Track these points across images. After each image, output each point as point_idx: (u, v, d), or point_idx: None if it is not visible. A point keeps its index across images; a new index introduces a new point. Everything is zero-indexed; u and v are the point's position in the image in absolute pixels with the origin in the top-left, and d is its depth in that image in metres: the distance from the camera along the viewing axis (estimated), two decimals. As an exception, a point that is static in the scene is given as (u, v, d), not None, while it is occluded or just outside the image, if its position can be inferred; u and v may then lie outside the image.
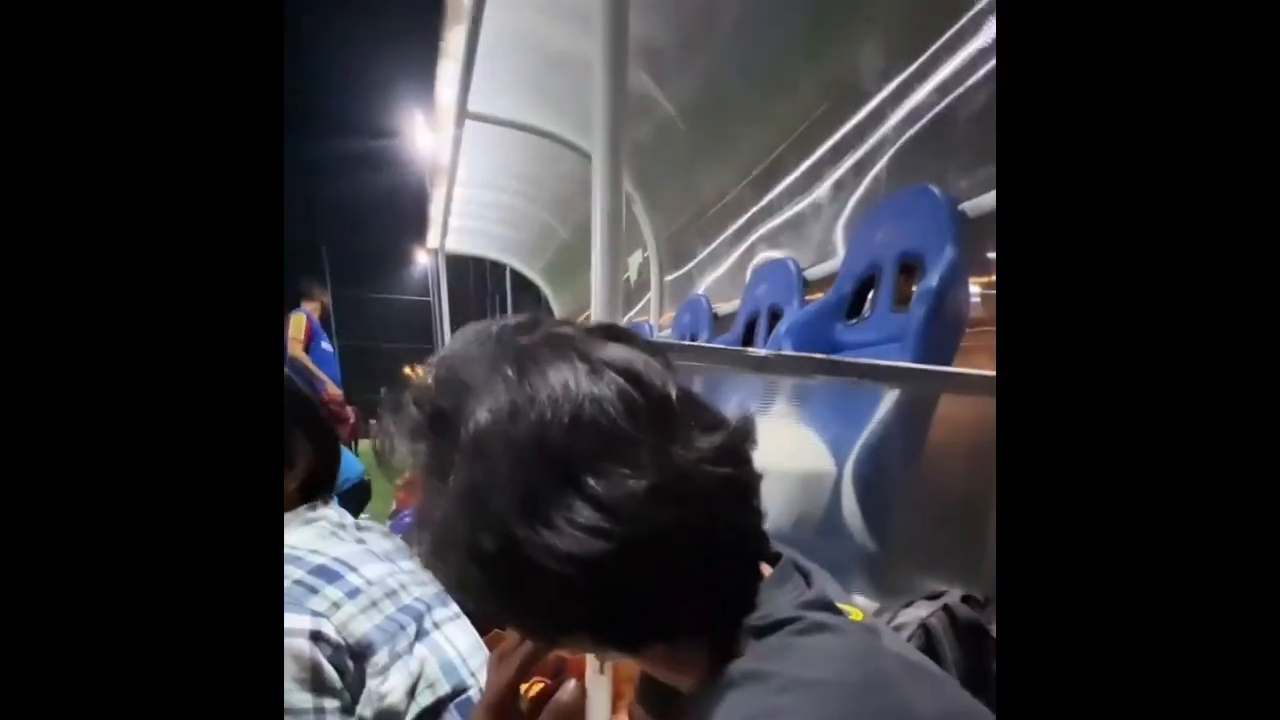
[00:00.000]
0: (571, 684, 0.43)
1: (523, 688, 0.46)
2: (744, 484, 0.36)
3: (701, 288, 2.19)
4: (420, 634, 0.67)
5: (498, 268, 4.62)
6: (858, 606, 0.40)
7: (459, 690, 0.65)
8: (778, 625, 0.34)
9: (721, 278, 2.13)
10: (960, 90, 1.24)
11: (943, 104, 1.27)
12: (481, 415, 0.33)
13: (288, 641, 0.56)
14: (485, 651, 0.71)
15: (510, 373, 0.33)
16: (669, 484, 0.32)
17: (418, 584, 0.72)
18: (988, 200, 1.14)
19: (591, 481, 0.31)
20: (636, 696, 0.59)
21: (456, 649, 0.69)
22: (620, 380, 0.33)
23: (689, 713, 0.37)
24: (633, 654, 0.36)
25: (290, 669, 0.55)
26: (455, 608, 0.73)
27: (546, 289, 3.79)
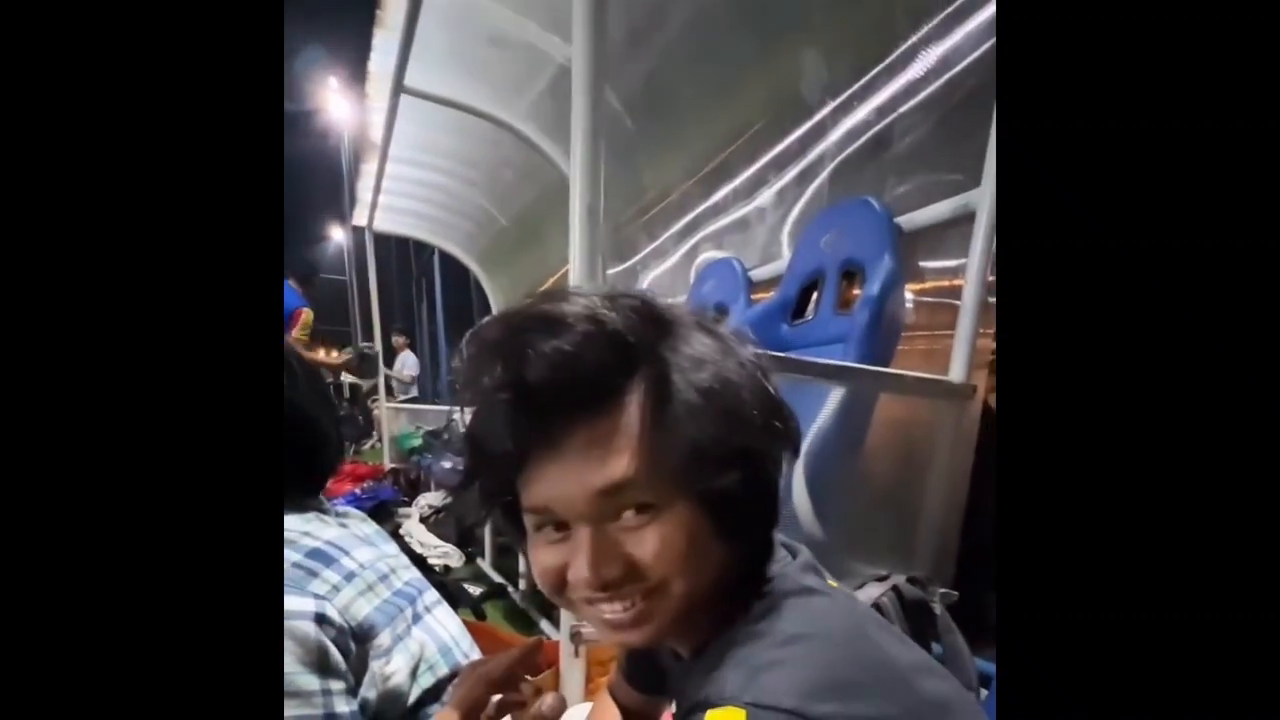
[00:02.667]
0: (550, 697, 0.45)
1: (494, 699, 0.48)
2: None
3: (646, 283, 2.23)
4: (415, 617, 0.68)
5: (423, 250, 4.46)
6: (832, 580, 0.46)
7: (455, 673, 0.66)
8: (772, 588, 0.39)
9: (665, 274, 2.18)
10: (898, 112, 1.34)
11: (881, 124, 1.37)
12: (697, 347, 0.37)
13: (291, 624, 0.56)
14: (469, 636, 0.73)
15: (705, 325, 0.39)
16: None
17: (405, 568, 0.72)
18: (921, 215, 1.25)
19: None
20: (621, 672, 0.62)
21: (449, 631, 0.70)
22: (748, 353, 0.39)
23: (688, 674, 0.40)
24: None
25: (296, 652, 0.55)
26: (436, 593, 0.75)
27: (481, 275, 3.70)
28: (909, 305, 1.27)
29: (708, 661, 0.38)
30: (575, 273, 0.89)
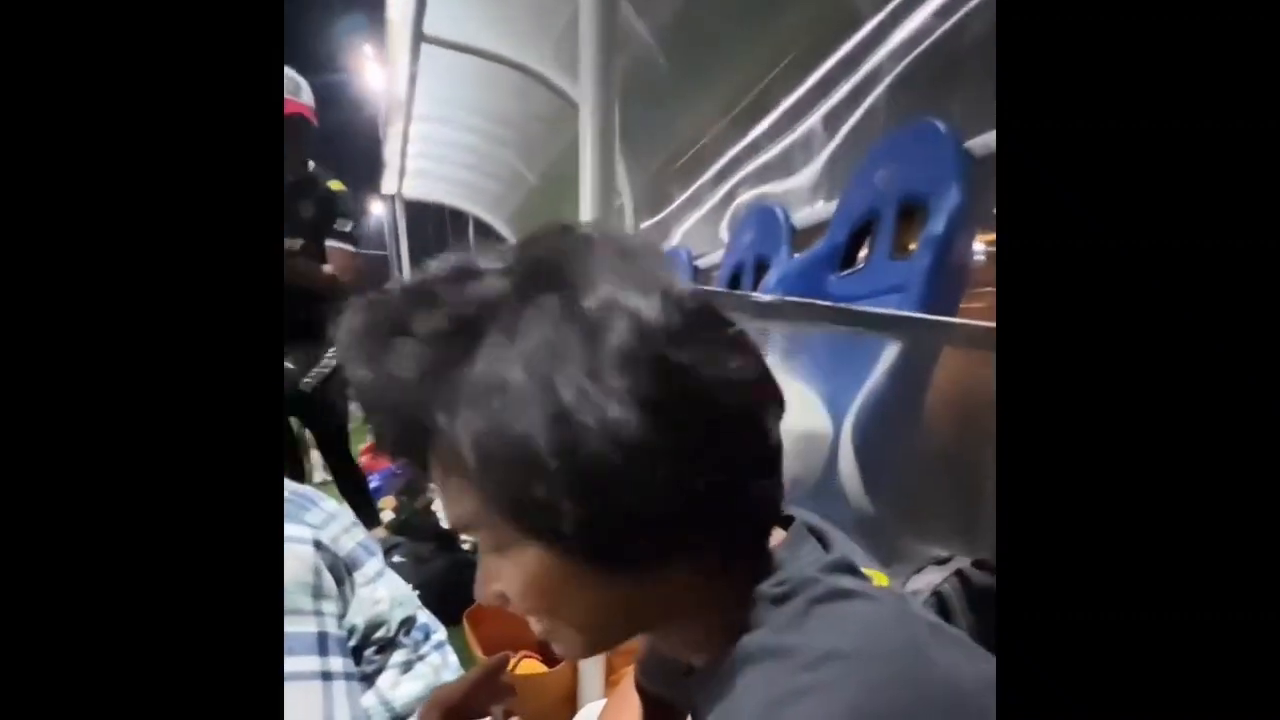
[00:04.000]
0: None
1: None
2: (764, 422, 0.33)
3: (678, 236, 2.08)
4: (384, 569, 0.74)
5: (459, 218, 4.40)
6: (880, 571, 0.38)
7: (412, 619, 0.73)
8: (796, 591, 0.32)
9: (701, 226, 2.01)
10: (965, 10, 1.13)
11: (945, 26, 1.16)
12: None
13: (291, 546, 0.59)
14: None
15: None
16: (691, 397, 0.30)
17: (357, 525, 0.77)
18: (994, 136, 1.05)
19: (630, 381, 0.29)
20: (639, 669, 0.54)
21: (401, 585, 0.77)
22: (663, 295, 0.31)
23: (701, 693, 0.34)
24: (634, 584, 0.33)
25: (294, 570, 0.58)
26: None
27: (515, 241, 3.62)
28: (979, 257, 1.09)
29: (720, 681, 0.32)
30: (586, 207, 0.80)
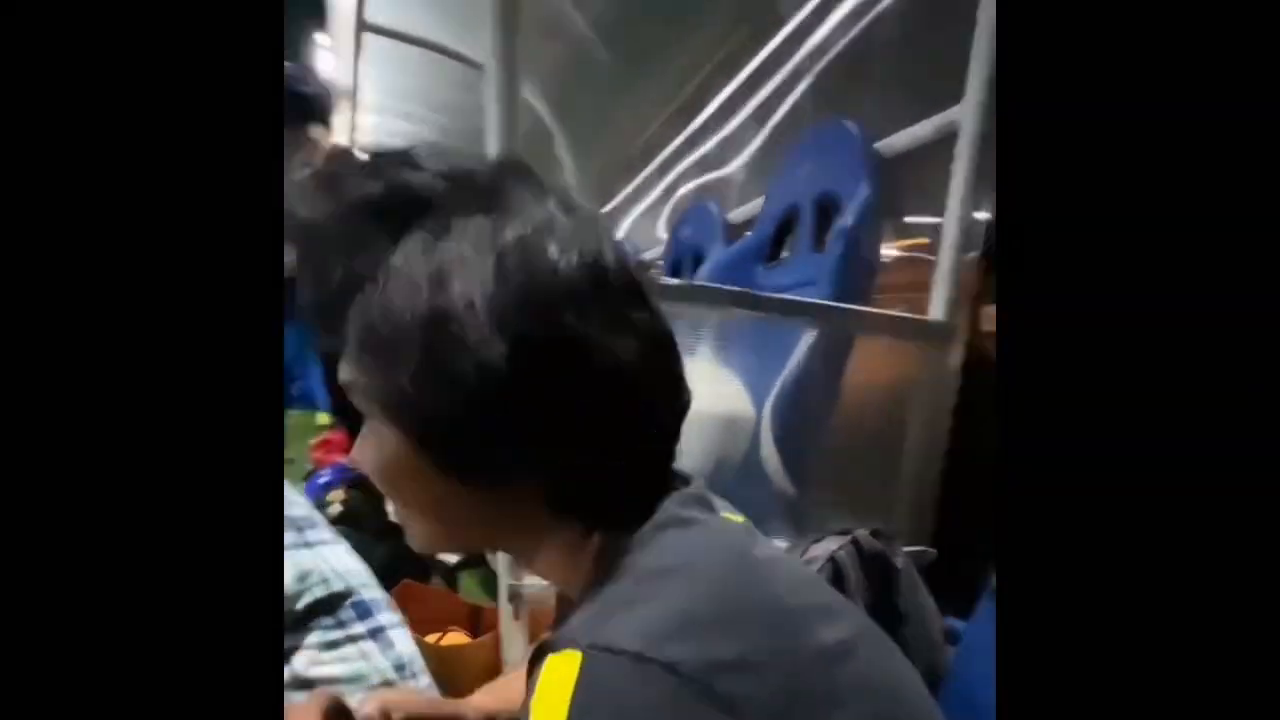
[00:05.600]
0: None
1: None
2: (641, 405, 0.35)
3: (626, 227, 2.12)
4: (305, 544, 0.74)
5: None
6: (738, 515, 0.40)
7: (348, 591, 0.74)
8: (648, 524, 0.34)
9: (646, 219, 2.06)
10: (874, 13, 1.19)
11: (856, 29, 1.22)
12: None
13: None
14: (366, 570, 0.80)
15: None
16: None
17: (293, 504, 0.77)
18: (902, 138, 1.12)
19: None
20: (554, 625, 0.59)
21: (342, 563, 0.76)
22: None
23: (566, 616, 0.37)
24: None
25: None
26: (331, 531, 0.80)
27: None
28: (885, 260, 1.16)
29: (577, 604, 0.35)
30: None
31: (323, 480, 2.23)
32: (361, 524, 1.86)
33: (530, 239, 0.32)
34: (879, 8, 1.19)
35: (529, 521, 0.36)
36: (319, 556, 0.73)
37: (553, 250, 0.32)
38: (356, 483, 2.26)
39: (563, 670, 0.27)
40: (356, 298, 0.32)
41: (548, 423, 0.32)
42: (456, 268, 0.31)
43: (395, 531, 1.53)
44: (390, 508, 0.39)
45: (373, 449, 0.35)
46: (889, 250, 1.18)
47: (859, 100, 1.25)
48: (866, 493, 1.15)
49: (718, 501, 0.40)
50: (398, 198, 0.33)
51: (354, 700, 0.52)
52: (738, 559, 0.33)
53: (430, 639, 1.24)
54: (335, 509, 2.14)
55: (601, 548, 0.36)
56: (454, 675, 0.99)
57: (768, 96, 1.47)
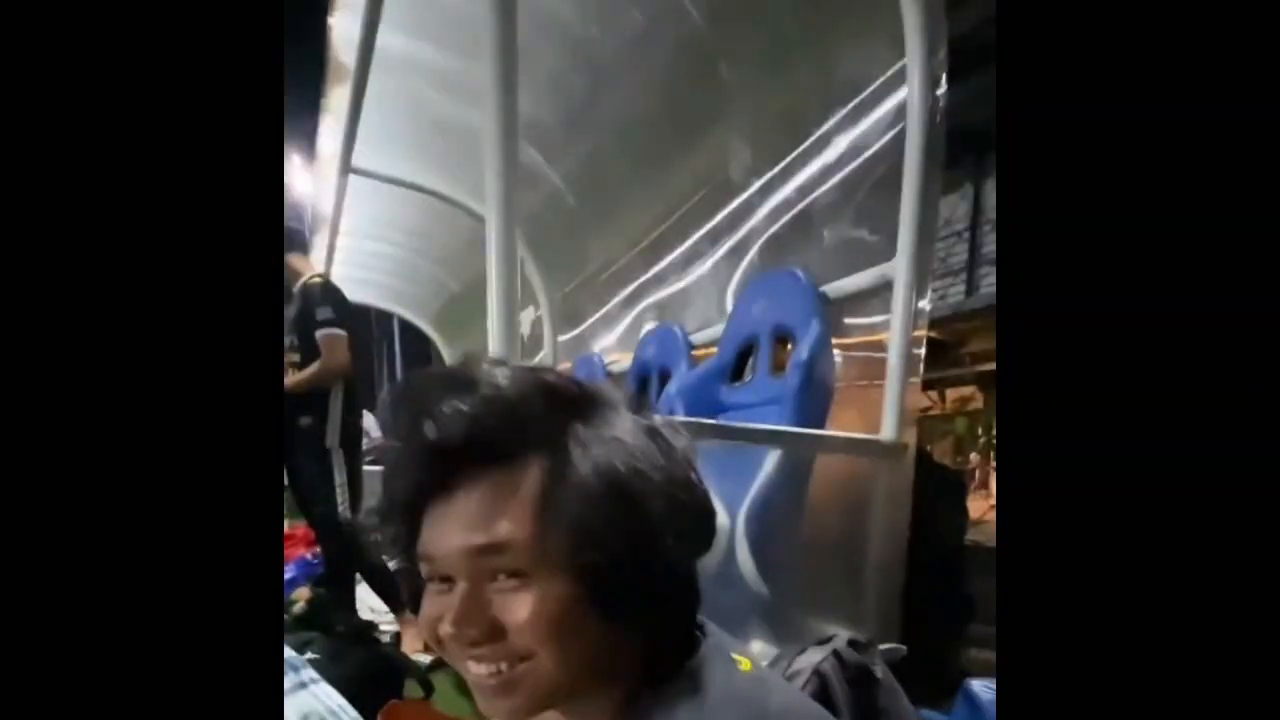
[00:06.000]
0: None
1: None
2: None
3: (596, 349, 2.27)
4: (300, 684, 0.83)
5: (384, 315, 4.44)
6: (749, 657, 0.43)
7: None
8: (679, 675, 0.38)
9: (613, 339, 2.23)
10: (818, 192, 1.44)
11: (802, 203, 1.46)
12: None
13: None
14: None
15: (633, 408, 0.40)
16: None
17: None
18: (845, 283, 1.33)
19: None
20: None
21: (334, 700, 0.83)
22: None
23: None
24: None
25: None
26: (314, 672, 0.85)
27: (438, 338, 3.70)
28: (838, 361, 1.34)
29: None
30: (494, 341, 0.91)
31: (287, 578, 2.12)
32: (329, 626, 1.77)
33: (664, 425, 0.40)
34: (825, 185, 1.43)
35: (619, 663, 0.39)
36: (315, 697, 0.80)
37: (675, 436, 0.40)
38: (321, 580, 2.15)
39: None
40: (551, 454, 0.37)
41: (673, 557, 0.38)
42: (645, 441, 0.38)
43: (366, 635, 1.48)
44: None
45: (541, 603, 0.36)
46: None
47: (804, 254, 1.47)
48: (836, 594, 1.24)
49: (727, 641, 0.43)
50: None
51: None
52: (761, 709, 0.37)
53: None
54: (300, 607, 2.03)
55: (639, 696, 0.39)
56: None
57: (725, 252, 1.70)
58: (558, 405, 0.38)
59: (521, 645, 0.36)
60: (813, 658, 0.93)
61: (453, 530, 0.37)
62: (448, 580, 0.38)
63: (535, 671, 0.37)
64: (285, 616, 1.82)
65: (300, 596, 2.14)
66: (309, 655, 1.56)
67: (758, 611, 1.21)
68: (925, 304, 1.21)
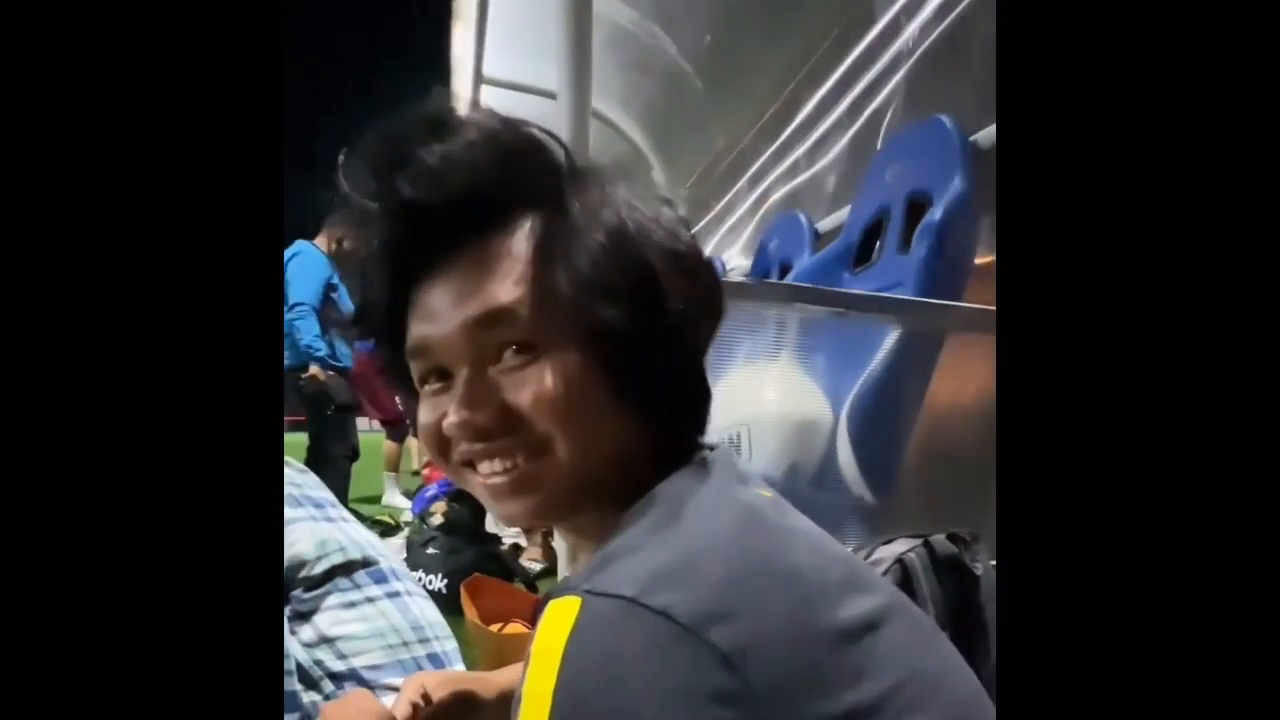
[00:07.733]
0: None
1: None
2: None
3: (715, 241, 2.14)
4: (327, 519, 0.80)
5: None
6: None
7: (369, 561, 0.78)
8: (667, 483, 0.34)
9: (733, 231, 2.07)
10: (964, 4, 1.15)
11: (950, 18, 1.18)
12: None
13: None
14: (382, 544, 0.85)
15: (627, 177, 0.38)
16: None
17: (316, 486, 0.85)
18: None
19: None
20: None
21: (362, 536, 0.83)
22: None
23: None
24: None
25: None
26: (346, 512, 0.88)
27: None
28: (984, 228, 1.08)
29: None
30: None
31: (430, 494, 2.43)
32: (458, 531, 2.00)
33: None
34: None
35: (627, 463, 0.35)
36: (338, 529, 0.79)
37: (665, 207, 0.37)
38: (457, 496, 2.42)
39: (561, 615, 0.27)
40: (546, 210, 0.34)
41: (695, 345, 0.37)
42: (643, 205, 0.36)
43: (484, 538, 1.63)
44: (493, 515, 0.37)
45: (563, 382, 0.32)
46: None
47: (952, 97, 1.20)
48: (954, 502, 1.04)
49: (750, 475, 0.38)
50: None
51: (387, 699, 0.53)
52: (753, 522, 0.32)
53: (493, 628, 1.29)
54: (437, 519, 2.32)
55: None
56: (508, 662, 1.02)
57: (857, 97, 1.44)
58: (552, 165, 0.34)
59: (537, 432, 0.33)
60: (897, 547, 0.79)
61: (445, 308, 0.34)
62: (445, 377, 0.35)
63: (552, 465, 0.33)
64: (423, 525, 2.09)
65: (438, 509, 2.43)
66: (430, 550, 1.77)
67: (859, 516, 1.06)
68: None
